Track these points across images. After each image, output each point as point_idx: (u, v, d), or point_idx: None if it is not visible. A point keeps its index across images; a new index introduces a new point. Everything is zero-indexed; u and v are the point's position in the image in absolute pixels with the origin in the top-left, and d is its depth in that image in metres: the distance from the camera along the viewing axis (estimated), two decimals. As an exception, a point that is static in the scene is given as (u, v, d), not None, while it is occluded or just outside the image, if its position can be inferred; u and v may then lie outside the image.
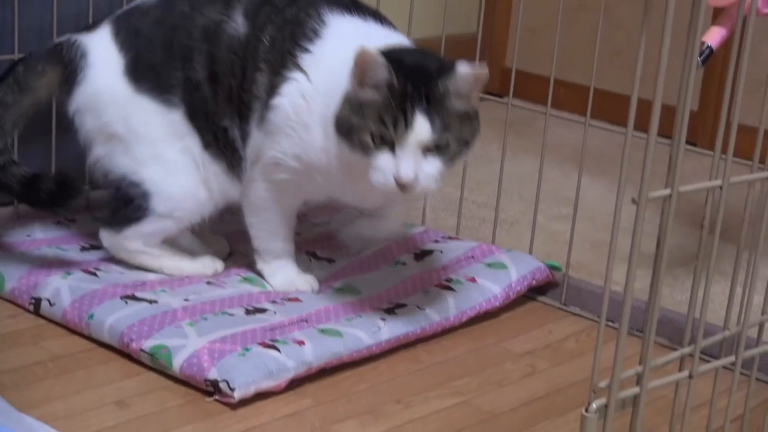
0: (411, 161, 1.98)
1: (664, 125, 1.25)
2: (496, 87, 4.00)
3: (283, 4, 2.23)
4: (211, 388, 1.97)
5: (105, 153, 2.32)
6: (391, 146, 1.99)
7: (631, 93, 1.22)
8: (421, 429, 1.97)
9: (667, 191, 1.27)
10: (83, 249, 2.47)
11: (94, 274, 2.32)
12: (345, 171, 2.11)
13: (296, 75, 2.15)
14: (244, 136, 2.24)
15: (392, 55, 2.02)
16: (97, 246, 2.48)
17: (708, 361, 1.44)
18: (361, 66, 2.00)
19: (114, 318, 2.14)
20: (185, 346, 2.03)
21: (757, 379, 1.57)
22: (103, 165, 2.33)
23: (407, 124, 1.97)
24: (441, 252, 2.60)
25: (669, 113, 1.25)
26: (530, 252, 2.61)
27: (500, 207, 2.70)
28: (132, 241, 2.35)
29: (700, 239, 1.38)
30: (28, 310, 2.26)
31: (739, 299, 1.57)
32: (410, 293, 2.38)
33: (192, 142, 2.28)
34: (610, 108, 3.10)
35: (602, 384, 1.26)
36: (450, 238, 2.70)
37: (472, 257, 2.56)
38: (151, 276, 2.35)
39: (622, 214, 1.23)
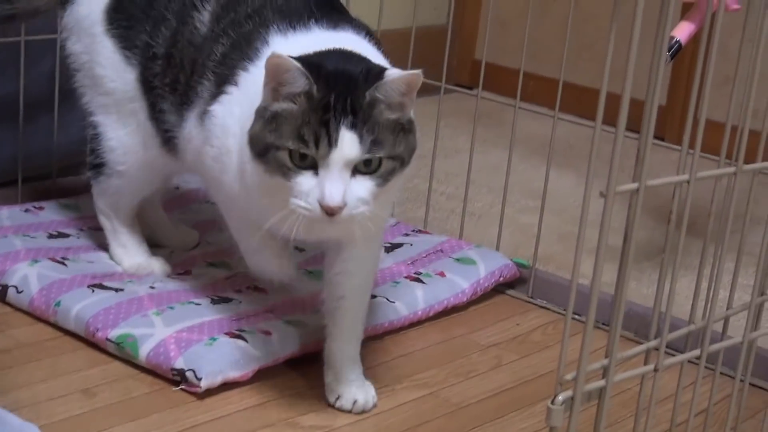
0: (337, 182, 1.72)
1: (632, 119, 1.25)
2: (466, 79, 4.01)
3: (243, 17, 2.05)
4: (178, 378, 1.96)
5: (80, 83, 2.32)
6: (314, 167, 1.73)
7: (600, 87, 1.22)
8: (388, 421, 1.97)
9: (635, 185, 1.27)
10: (51, 236, 2.46)
11: (62, 263, 2.31)
12: (266, 198, 1.84)
13: (232, 90, 1.95)
14: (178, 125, 2.13)
15: (311, 60, 1.78)
16: (65, 234, 2.47)
17: (673, 355, 1.45)
18: (273, 73, 1.75)
19: (80, 306, 2.13)
20: (152, 336, 2.02)
21: (721, 373, 1.58)
22: (82, 95, 2.34)
23: (331, 140, 1.71)
24: (411, 245, 2.60)
25: (637, 107, 1.26)
26: (498, 244, 2.62)
27: (469, 199, 2.71)
28: (98, 198, 2.36)
29: (667, 233, 1.38)
30: (-6, 298, 2.25)
31: (705, 294, 1.58)
32: (380, 285, 2.38)
33: (139, 107, 2.22)
34: (579, 101, 3.11)
35: (568, 376, 1.27)
36: (420, 231, 2.70)
37: (441, 251, 2.57)
38: (119, 268, 2.34)
39: (590, 207, 1.24)
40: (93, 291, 2.19)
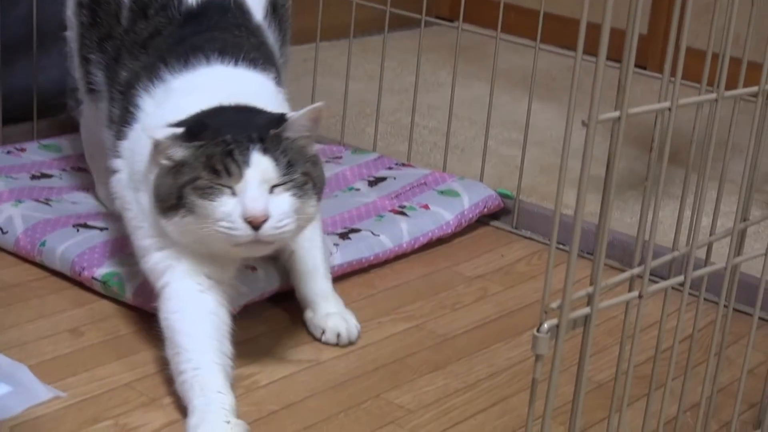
0: (258, 196, 1.73)
1: (613, 49, 1.25)
2: (447, 11, 3.99)
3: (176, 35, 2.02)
4: (165, 315, 1.97)
5: None
6: (230, 189, 1.74)
7: (581, 17, 1.22)
8: (375, 353, 1.99)
9: (617, 113, 1.27)
10: (34, 177, 2.46)
11: (46, 204, 2.31)
12: (194, 243, 1.83)
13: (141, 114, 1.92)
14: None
15: (197, 124, 1.78)
16: (47, 174, 2.47)
17: (657, 282, 1.46)
18: (159, 152, 1.77)
19: (65, 246, 2.14)
20: (138, 273, 2.03)
21: (705, 299, 1.59)
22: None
23: (240, 163, 1.73)
24: (394, 179, 2.61)
25: (618, 36, 1.25)
26: (481, 177, 2.63)
27: (451, 132, 2.71)
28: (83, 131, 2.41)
29: (649, 162, 1.39)
30: (-22, 240, 2.25)
31: (688, 221, 1.58)
32: (364, 218, 2.39)
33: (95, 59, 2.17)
34: (560, 32, 3.09)
35: (553, 305, 1.28)
36: (403, 165, 2.71)
37: (425, 184, 2.57)
38: (102, 207, 2.34)
39: (572, 138, 1.24)
40: (78, 231, 2.20)
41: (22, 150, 2.61)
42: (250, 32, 2.09)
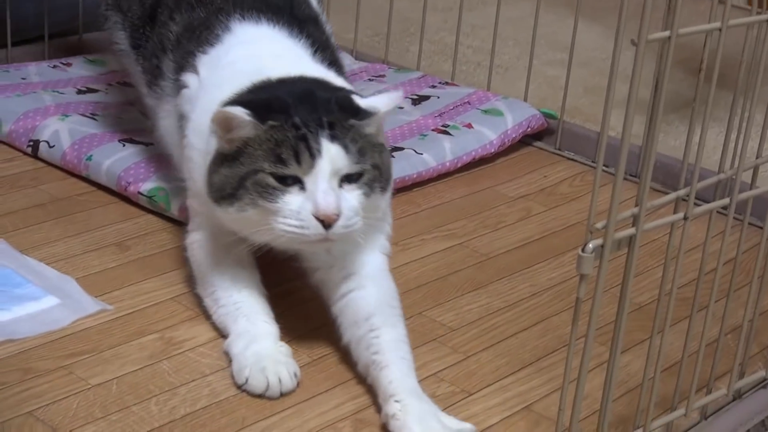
0: (329, 191, 1.59)
1: (664, -32, 1.25)
2: (492, -70, 3.95)
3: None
4: (210, 230, 1.99)
5: None
6: (299, 182, 1.60)
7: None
8: (418, 270, 2.00)
9: (667, 33, 1.27)
10: (80, 92, 2.47)
11: (92, 118, 2.33)
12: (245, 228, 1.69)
13: (190, 78, 1.85)
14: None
15: (266, 103, 1.64)
16: (93, 89, 2.49)
17: (702, 205, 1.46)
18: (223, 128, 1.62)
19: (111, 161, 2.15)
20: (183, 189, 2.04)
21: (749, 223, 1.59)
22: None
23: (313, 152, 1.58)
24: (438, 98, 2.60)
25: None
26: (525, 97, 2.62)
27: (495, 52, 2.70)
28: None
29: (698, 83, 1.38)
30: (26, 153, 2.27)
31: (734, 145, 1.58)
32: (407, 137, 2.39)
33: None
34: (608, -48, 3.07)
35: (599, 225, 1.28)
36: (446, 83, 2.70)
37: (468, 103, 2.57)
38: (148, 123, 2.35)
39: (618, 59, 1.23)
40: (124, 145, 2.21)
41: (68, 64, 2.62)
42: None
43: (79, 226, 2.04)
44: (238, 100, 1.65)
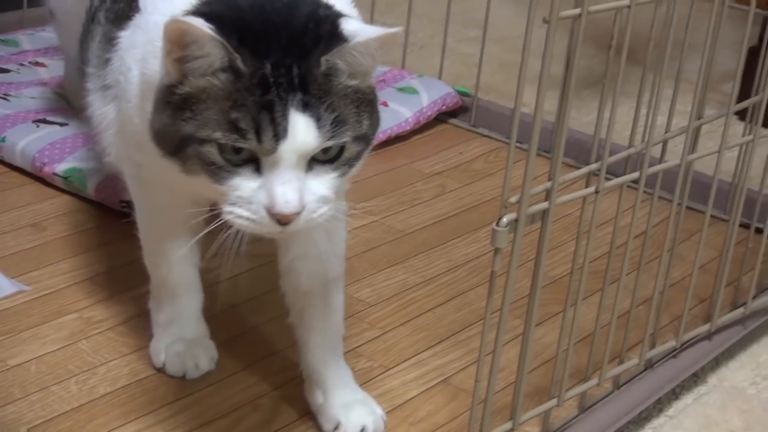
0: (291, 182, 1.24)
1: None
2: None
3: None
4: (127, 209, 1.98)
5: None
6: (254, 161, 1.25)
7: None
8: (334, 248, 2.02)
9: (578, 11, 1.29)
10: (-8, 73, 2.45)
11: (5, 99, 2.31)
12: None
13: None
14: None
15: (229, 15, 1.27)
16: (5, 69, 2.46)
17: (613, 179, 1.49)
18: (175, 43, 1.24)
19: (25, 141, 2.14)
20: (99, 169, 2.04)
21: (659, 197, 1.62)
22: None
23: (278, 129, 1.23)
24: (352, 75, 2.61)
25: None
26: (440, 75, 2.64)
27: (410, 29, 2.71)
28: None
29: (608, 60, 1.41)
30: (-62, 135, 2.25)
31: (644, 119, 1.61)
32: (322, 116, 2.39)
33: None
34: (520, -70, 3.09)
35: (512, 199, 1.30)
36: (361, 61, 2.71)
37: (384, 81, 2.58)
38: (63, 102, 2.33)
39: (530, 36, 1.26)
40: (38, 126, 2.20)
41: (-22, 45, 2.59)
42: None
43: (-6, 208, 2.03)
44: (199, 11, 1.28)
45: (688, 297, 1.73)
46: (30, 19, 2.68)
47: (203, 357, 1.65)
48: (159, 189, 1.48)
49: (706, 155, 1.66)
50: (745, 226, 1.99)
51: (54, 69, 2.46)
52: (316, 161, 1.27)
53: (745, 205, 1.79)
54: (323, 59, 1.25)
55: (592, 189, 1.44)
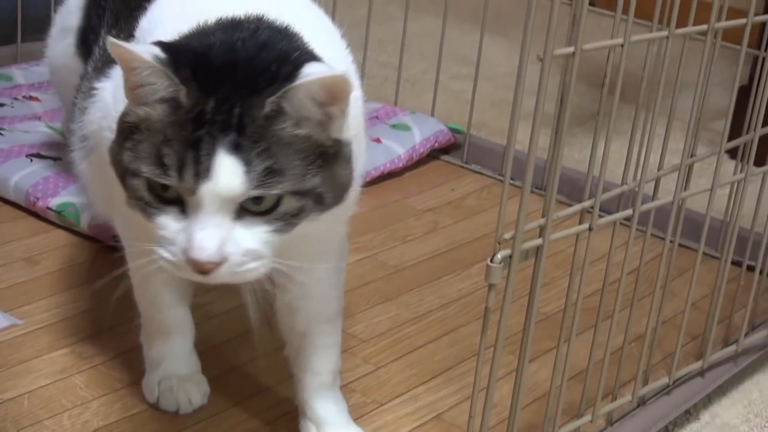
0: (211, 228, 1.18)
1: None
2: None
3: None
4: (120, 244, 1.98)
5: None
6: (181, 203, 1.20)
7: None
8: (327, 283, 2.01)
9: (571, 49, 1.30)
10: (-15, 107, 2.46)
11: (-1, 133, 2.32)
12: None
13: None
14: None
15: (184, 46, 1.25)
16: (1, 103, 2.46)
17: (606, 216, 1.49)
18: (123, 67, 1.21)
19: (19, 176, 2.14)
20: (93, 203, 2.04)
21: (652, 234, 1.63)
22: None
23: (200, 168, 1.17)
24: (342, 112, 2.61)
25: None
26: (432, 111, 2.65)
27: (402, 66, 2.72)
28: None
29: (601, 97, 1.42)
30: (-69, 169, 2.25)
31: (636, 157, 1.62)
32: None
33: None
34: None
35: (507, 235, 1.31)
36: (353, 97, 2.72)
37: (377, 118, 2.59)
38: (57, 136, 2.34)
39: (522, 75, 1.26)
40: (31, 161, 2.20)
41: (-30, 78, 2.60)
42: None
43: (-13, 242, 2.03)
44: (165, 43, 1.24)
45: (680, 334, 1.74)
46: (24, 54, 2.69)
47: (196, 392, 1.65)
48: (145, 230, 1.34)
49: (699, 193, 1.67)
50: (736, 263, 2.00)
51: (48, 103, 2.46)
52: (247, 211, 1.20)
53: (736, 243, 1.80)
54: (268, 101, 1.18)
55: (585, 226, 1.45)
